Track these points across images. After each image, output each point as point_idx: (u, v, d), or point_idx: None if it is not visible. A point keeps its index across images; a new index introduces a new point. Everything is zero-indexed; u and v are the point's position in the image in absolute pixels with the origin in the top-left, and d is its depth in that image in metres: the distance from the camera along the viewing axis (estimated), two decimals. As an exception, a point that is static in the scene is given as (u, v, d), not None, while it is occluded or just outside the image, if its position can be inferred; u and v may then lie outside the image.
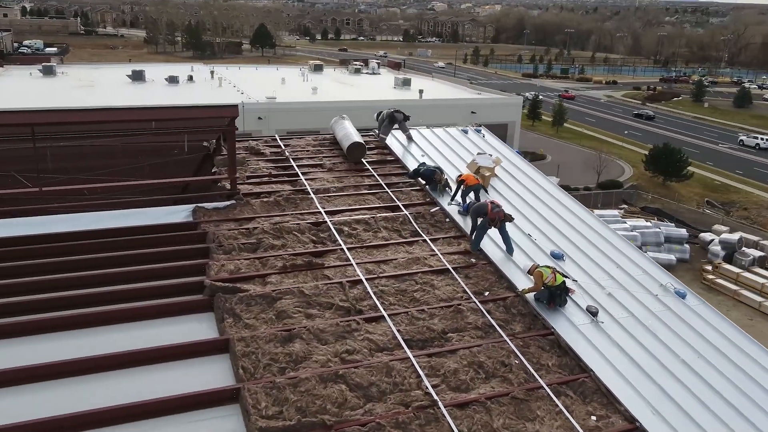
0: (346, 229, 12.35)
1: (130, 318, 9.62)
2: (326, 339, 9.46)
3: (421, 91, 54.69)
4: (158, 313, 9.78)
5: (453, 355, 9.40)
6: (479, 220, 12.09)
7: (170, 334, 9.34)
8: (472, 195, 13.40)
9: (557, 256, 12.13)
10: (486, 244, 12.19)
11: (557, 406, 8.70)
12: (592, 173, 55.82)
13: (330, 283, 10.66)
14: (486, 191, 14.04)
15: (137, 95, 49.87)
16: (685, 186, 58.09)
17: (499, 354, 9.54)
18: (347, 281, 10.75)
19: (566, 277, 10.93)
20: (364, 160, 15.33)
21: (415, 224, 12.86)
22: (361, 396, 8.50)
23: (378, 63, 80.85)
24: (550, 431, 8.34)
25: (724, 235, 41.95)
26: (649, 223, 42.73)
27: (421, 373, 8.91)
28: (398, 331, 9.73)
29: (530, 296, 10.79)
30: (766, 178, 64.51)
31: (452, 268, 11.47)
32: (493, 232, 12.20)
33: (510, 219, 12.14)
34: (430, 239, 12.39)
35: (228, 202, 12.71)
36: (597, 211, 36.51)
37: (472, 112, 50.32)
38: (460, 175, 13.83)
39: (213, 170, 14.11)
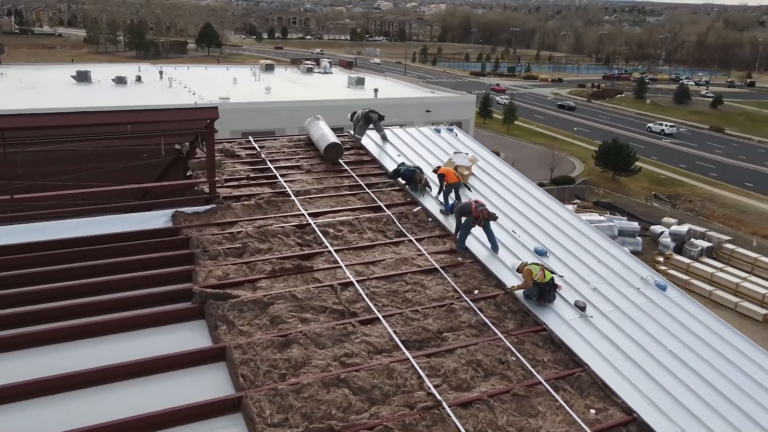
0: (331, 231, 12.23)
1: (117, 329, 9.25)
2: (324, 343, 9.34)
3: (376, 90, 54.70)
4: (147, 322, 9.45)
5: (451, 355, 9.41)
6: (463, 219, 12.16)
7: (162, 344, 9.04)
8: (454, 195, 13.46)
9: (541, 253, 12.30)
10: (471, 243, 12.27)
11: (557, 401, 8.81)
12: (545, 169, 56.97)
13: (321, 286, 10.53)
14: (469, 188, 14.14)
15: (85, 97, 48.28)
16: (634, 180, 59.95)
17: (495, 352, 9.60)
18: (338, 284, 10.64)
19: (553, 273, 11.10)
20: (341, 161, 15.21)
21: (399, 224, 12.83)
22: (365, 399, 8.43)
23: (330, 62, 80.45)
24: (553, 426, 8.43)
25: (674, 228, 43.46)
26: (602, 218, 43.87)
27: (422, 373, 8.89)
28: (394, 332, 9.68)
29: (519, 293, 10.91)
30: (707, 171, 67.17)
31: (440, 267, 11.50)
32: (477, 230, 12.30)
33: (494, 218, 12.25)
34: (415, 239, 12.39)
35: (208, 207, 12.41)
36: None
37: (427, 111, 50.57)
38: (438, 168, 13.88)
39: (188, 173, 13.77)
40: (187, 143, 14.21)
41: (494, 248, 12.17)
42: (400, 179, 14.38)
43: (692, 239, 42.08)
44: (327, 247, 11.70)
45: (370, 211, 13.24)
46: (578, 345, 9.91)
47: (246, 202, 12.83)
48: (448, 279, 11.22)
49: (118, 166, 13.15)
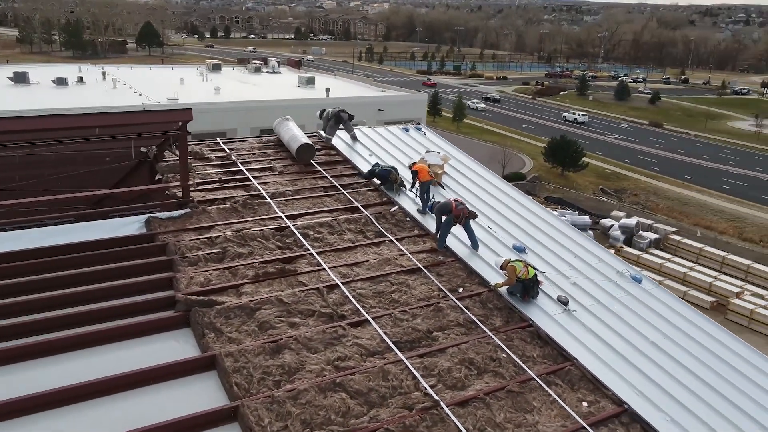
0: (311, 233, 12.06)
1: (99, 341, 8.87)
2: (315, 347, 9.20)
3: (328, 90, 54.30)
4: (130, 333, 9.09)
5: (443, 354, 9.42)
6: (443, 218, 12.19)
7: (149, 355, 8.72)
8: (435, 197, 13.46)
9: (520, 249, 12.44)
10: (451, 242, 12.31)
11: (550, 395, 8.93)
12: (497, 166, 57.75)
13: (307, 290, 10.37)
14: (443, 187, 14.18)
15: (25, 99, 46.20)
16: (581, 176, 61.50)
17: (486, 349, 9.66)
18: (324, 287, 10.50)
19: (536, 270, 11.23)
20: (313, 162, 15.02)
21: (378, 225, 12.76)
22: (363, 403, 8.34)
23: (278, 61, 79.46)
24: (549, 421, 8.54)
25: (623, 221, 44.80)
26: (554, 213, 44.76)
27: (416, 374, 8.86)
28: (385, 333, 9.63)
29: (503, 290, 11.01)
30: (649, 165, 69.50)
31: (423, 267, 11.49)
32: (456, 229, 12.34)
33: (474, 216, 12.32)
34: (395, 239, 12.35)
35: (182, 211, 12.05)
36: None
37: (380, 110, 50.47)
38: (412, 164, 13.89)
39: (157, 177, 13.35)
40: (154, 146, 13.77)
41: (475, 246, 12.24)
42: (375, 179, 14.30)
43: (641, 231, 43.45)
44: (308, 250, 11.53)
45: (348, 212, 13.12)
46: (565, 339, 10.07)
47: (221, 206, 12.52)
48: (432, 278, 11.23)
49: (83, 171, 12.66)
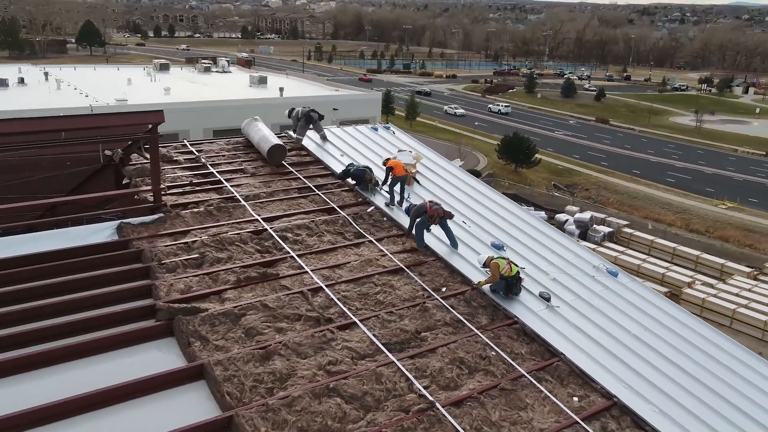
0: (289, 235, 11.84)
1: (80, 354, 8.48)
2: (305, 352, 9.02)
3: (281, 89, 53.75)
4: (112, 344, 8.73)
5: (434, 354, 9.37)
6: (418, 220, 12.13)
7: (134, 367, 8.38)
8: (410, 197, 13.41)
9: (498, 247, 12.51)
10: (431, 241, 12.28)
11: (542, 392, 8.98)
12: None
13: (291, 294, 10.17)
14: (418, 182, 14.20)
15: (-38, 101, 44.19)
16: (534, 172, 62.53)
17: (475, 348, 9.65)
18: (308, 290, 10.31)
19: (518, 267, 11.30)
20: (285, 162, 14.76)
21: (356, 225, 12.62)
22: (359, 407, 8.22)
23: (228, 61, 78.21)
24: (543, 417, 8.59)
25: (577, 215, 45.77)
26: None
27: (409, 376, 8.79)
28: (374, 335, 9.52)
29: (486, 287, 11.03)
30: (599, 161, 71.23)
31: (405, 266, 11.42)
32: (435, 228, 12.32)
33: (450, 216, 12.28)
34: (375, 239, 12.24)
35: (155, 216, 11.65)
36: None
37: (335, 109, 50.16)
38: (387, 160, 13.79)
39: (124, 182, 12.89)
40: (119, 149, 13.27)
41: (454, 245, 12.23)
42: (349, 179, 14.14)
43: (595, 225, 44.48)
44: (288, 253, 11.31)
45: (324, 213, 12.94)
46: (550, 335, 10.15)
47: (195, 210, 12.17)
48: (415, 278, 11.17)
49: (46, 176, 12.13)
